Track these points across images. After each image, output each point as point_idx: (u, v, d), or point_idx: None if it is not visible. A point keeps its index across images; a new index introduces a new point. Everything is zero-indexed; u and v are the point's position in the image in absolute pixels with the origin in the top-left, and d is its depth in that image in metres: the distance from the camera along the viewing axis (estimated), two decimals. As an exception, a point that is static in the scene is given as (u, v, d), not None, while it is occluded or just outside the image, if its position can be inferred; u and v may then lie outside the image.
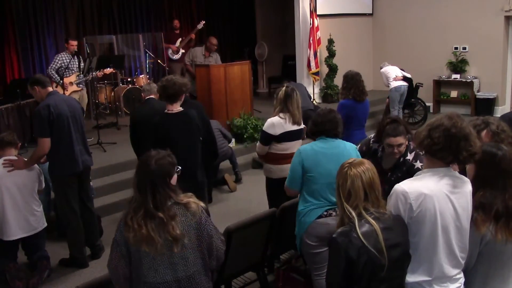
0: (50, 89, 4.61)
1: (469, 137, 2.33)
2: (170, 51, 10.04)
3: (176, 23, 10.31)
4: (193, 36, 10.01)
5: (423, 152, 2.47)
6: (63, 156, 4.54)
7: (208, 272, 2.62)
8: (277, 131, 4.35)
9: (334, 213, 3.25)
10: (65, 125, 4.51)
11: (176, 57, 10.02)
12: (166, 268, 2.47)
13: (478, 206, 2.44)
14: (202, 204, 2.59)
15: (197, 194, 4.52)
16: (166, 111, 4.19)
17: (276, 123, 4.37)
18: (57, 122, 4.45)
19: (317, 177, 3.33)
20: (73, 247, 4.72)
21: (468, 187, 2.44)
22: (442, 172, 2.39)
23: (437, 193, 2.35)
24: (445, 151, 2.33)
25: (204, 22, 9.82)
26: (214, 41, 8.90)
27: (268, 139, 4.40)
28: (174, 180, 2.58)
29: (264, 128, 4.43)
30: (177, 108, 4.19)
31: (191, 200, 2.56)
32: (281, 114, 4.39)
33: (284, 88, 4.46)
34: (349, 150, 3.48)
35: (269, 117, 4.51)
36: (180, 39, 10.00)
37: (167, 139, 3.98)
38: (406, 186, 2.38)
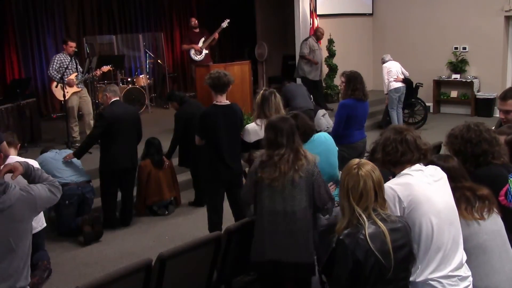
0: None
1: (420, 137, 2.57)
2: (192, 52, 9.25)
3: (194, 21, 9.42)
4: (216, 35, 9.23)
5: (391, 168, 2.59)
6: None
7: (309, 211, 3.11)
8: (252, 138, 4.23)
9: None
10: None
11: (199, 58, 9.24)
12: (278, 200, 3.08)
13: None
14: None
15: (235, 181, 4.40)
16: (214, 102, 4.37)
17: (251, 130, 4.24)
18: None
19: None
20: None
21: (446, 177, 2.55)
22: (417, 167, 2.50)
23: (420, 183, 2.44)
24: (407, 153, 2.50)
25: (228, 20, 9.03)
26: (322, 30, 9.65)
27: (245, 146, 4.31)
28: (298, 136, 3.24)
29: (242, 135, 4.34)
30: (224, 100, 4.36)
31: (309, 153, 3.13)
32: (257, 121, 4.23)
33: (261, 91, 4.33)
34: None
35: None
36: (202, 38, 9.27)
37: (213, 128, 4.26)
38: (390, 183, 2.49)
